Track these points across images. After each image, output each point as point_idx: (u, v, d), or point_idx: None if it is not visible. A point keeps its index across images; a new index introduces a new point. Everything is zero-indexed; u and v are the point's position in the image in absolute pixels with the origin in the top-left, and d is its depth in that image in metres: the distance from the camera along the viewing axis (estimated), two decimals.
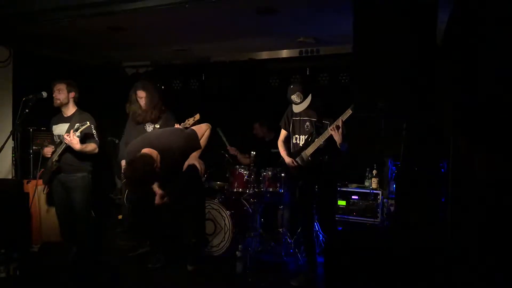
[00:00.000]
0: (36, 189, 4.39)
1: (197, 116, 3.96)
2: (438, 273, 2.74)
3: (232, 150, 5.32)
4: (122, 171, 3.91)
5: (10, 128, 5.08)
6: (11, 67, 5.39)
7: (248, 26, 4.52)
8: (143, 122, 4.19)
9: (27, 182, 4.61)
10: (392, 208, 4.76)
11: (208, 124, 3.54)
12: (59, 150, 3.96)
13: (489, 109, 2.39)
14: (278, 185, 4.50)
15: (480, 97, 2.41)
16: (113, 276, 3.88)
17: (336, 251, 3.26)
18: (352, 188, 5.08)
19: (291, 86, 3.60)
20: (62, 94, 4.02)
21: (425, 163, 3.60)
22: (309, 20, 4.28)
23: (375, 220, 4.84)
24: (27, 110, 4.02)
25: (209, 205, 4.46)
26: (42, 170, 4.19)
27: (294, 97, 3.56)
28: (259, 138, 5.35)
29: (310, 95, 3.55)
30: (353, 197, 5.00)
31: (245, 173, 4.72)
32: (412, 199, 3.66)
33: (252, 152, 4.66)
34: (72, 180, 4.03)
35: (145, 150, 3.07)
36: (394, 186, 4.76)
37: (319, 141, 3.60)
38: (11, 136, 4.33)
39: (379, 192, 4.88)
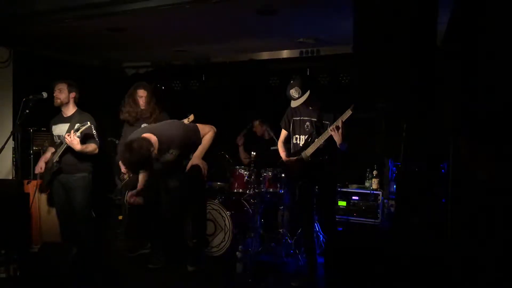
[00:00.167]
0: (37, 190, 4.39)
1: (191, 117, 3.98)
2: (438, 273, 2.74)
3: (240, 141, 5.35)
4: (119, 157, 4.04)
5: (10, 129, 5.08)
6: (11, 68, 5.40)
7: (248, 27, 4.52)
8: (137, 121, 4.24)
9: (28, 183, 4.61)
10: (392, 209, 4.75)
11: (213, 127, 3.55)
12: (60, 151, 3.96)
13: (489, 110, 2.39)
14: (278, 185, 4.50)
15: (480, 98, 2.41)
16: (113, 277, 3.88)
17: (337, 252, 3.27)
18: (352, 188, 5.07)
19: (291, 82, 3.62)
20: (63, 93, 4.03)
21: (425, 163, 3.60)
22: (310, 20, 4.28)
23: (376, 220, 4.84)
24: (27, 111, 4.03)
25: (209, 205, 4.46)
26: (43, 171, 4.19)
27: (292, 92, 3.56)
28: (259, 136, 5.36)
29: (309, 91, 3.55)
30: (353, 197, 5.00)
31: (245, 174, 4.72)
32: (412, 200, 3.66)
33: (252, 153, 4.66)
34: (72, 181, 4.03)
35: (145, 135, 3.11)
36: (395, 186, 4.76)
37: (319, 141, 3.60)
38: (12, 136, 4.33)
39: (380, 192, 4.88)
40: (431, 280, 2.75)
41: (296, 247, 4.37)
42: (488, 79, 2.38)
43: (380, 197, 4.85)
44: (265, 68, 5.87)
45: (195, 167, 3.39)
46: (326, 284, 3.51)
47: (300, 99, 3.53)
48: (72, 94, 4.08)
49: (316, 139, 3.62)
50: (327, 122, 3.62)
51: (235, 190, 4.79)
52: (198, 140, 3.41)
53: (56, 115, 4.18)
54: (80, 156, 3.95)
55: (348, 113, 3.44)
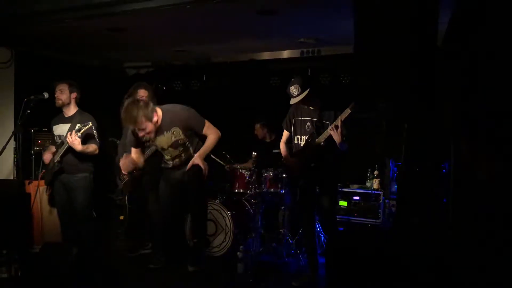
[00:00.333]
0: (38, 190, 4.40)
1: None
2: (439, 274, 2.74)
3: (231, 168, 5.17)
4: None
5: (11, 129, 5.09)
6: (12, 68, 5.41)
7: (249, 27, 4.52)
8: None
9: (29, 183, 4.62)
10: (393, 209, 4.75)
11: (219, 132, 3.56)
12: (61, 151, 3.96)
13: (489, 110, 2.39)
14: (279, 185, 4.50)
15: (481, 98, 2.41)
16: (114, 277, 3.88)
17: (338, 252, 3.26)
18: (353, 188, 5.07)
19: (292, 80, 3.63)
20: (64, 94, 4.03)
21: (426, 163, 3.59)
22: (310, 21, 4.28)
23: (377, 220, 4.84)
24: (28, 111, 4.03)
25: (210, 205, 4.46)
26: (44, 171, 4.20)
27: (292, 89, 3.57)
28: (260, 139, 5.35)
29: (308, 89, 3.56)
30: (354, 197, 5.00)
31: (246, 174, 4.72)
32: (413, 200, 3.65)
33: (253, 153, 4.66)
34: (73, 181, 4.03)
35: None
36: (396, 186, 4.76)
37: (319, 141, 3.60)
38: (13, 136, 4.34)
39: (380, 192, 4.87)
40: (432, 280, 2.75)
41: (297, 247, 4.36)
42: (489, 79, 2.38)
43: (381, 197, 4.85)
44: (265, 68, 5.87)
45: (196, 167, 3.39)
46: (327, 284, 3.50)
47: (299, 96, 3.54)
48: (73, 95, 4.08)
49: (317, 139, 3.62)
50: (327, 122, 3.61)
51: (236, 190, 4.80)
52: (200, 125, 3.45)
53: (57, 115, 4.19)
54: (81, 156, 3.96)
55: (347, 112, 3.44)
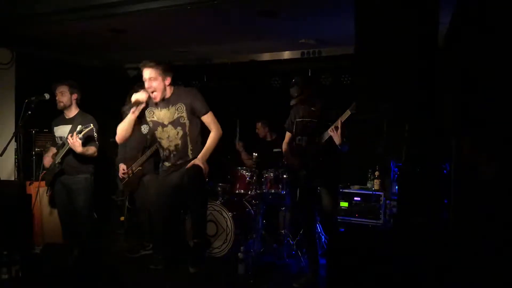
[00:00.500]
0: (39, 191, 4.40)
1: None
2: (440, 274, 2.74)
3: (239, 146, 5.33)
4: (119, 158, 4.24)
5: (12, 130, 5.09)
6: (13, 69, 5.42)
7: (249, 28, 4.53)
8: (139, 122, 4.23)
9: (30, 184, 4.62)
10: (394, 210, 4.75)
11: (220, 129, 3.52)
12: (62, 152, 3.96)
13: (490, 110, 2.39)
14: (280, 186, 4.50)
15: (481, 98, 2.41)
16: (114, 278, 3.88)
17: (338, 253, 3.26)
18: (354, 189, 5.07)
19: (293, 81, 3.64)
20: (65, 96, 4.02)
21: (427, 164, 3.59)
22: (311, 21, 4.28)
23: (377, 221, 4.84)
24: (29, 112, 4.03)
25: (211, 206, 4.46)
26: (44, 172, 4.20)
27: (292, 90, 3.59)
28: (261, 138, 5.36)
29: (309, 91, 3.57)
30: (355, 198, 4.99)
31: (247, 175, 4.72)
32: (414, 201, 3.65)
33: (254, 154, 4.66)
34: (74, 182, 4.03)
35: None
36: (396, 187, 4.75)
37: (320, 142, 3.60)
38: (14, 137, 4.34)
39: (381, 193, 4.87)
40: (433, 281, 2.74)
41: (298, 248, 4.36)
42: (489, 80, 2.38)
43: (382, 198, 4.84)
44: (266, 69, 5.87)
45: (197, 167, 3.37)
46: (328, 285, 3.49)
47: (299, 97, 3.56)
48: (74, 96, 4.07)
49: (318, 139, 3.63)
50: (329, 123, 3.62)
51: (237, 191, 4.80)
52: (203, 109, 3.45)
53: (57, 116, 4.19)
54: (82, 157, 3.95)
55: (347, 113, 3.44)
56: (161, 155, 3.63)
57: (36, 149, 5.10)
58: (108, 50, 5.70)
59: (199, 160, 3.37)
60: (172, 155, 3.51)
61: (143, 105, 3.45)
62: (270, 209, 4.77)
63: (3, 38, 4.97)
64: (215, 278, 3.90)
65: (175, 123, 3.46)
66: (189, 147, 3.49)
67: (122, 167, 4.40)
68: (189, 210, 4.01)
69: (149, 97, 3.45)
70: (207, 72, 6.21)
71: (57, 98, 4.02)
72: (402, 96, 2.53)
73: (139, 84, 4.35)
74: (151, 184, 4.19)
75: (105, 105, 5.65)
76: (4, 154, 4.06)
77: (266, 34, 4.74)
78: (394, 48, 2.46)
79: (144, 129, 4.18)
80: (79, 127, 3.79)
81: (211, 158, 3.53)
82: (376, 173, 5.00)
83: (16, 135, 4.51)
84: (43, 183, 4.27)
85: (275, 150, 4.95)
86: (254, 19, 4.14)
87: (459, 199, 2.73)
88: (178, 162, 3.50)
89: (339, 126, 3.46)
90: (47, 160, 4.14)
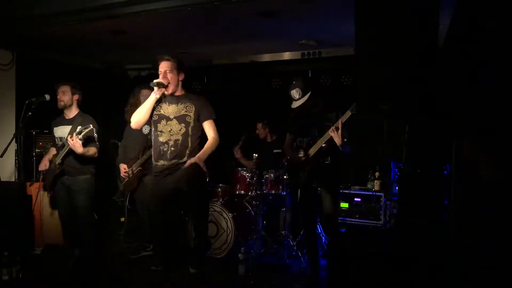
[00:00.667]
0: (39, 192, 4.40)
1: None
2: (441, 275, 2.73)
3: (238, 153, 5.29)
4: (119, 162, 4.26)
5: (13, 131, 5.10)
6: (14, 70, 5.42)
7: (250, 29, 4.53)
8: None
9: (30, 185, 4.63)
10: (394, 210, 4.75)
11: (217, 138, 3.52)
12: (62, 153, 3.97)
13: (491, 110, 2.39)
14: (280, 187, 4.50)
15: (482, 99, 2.41)
16: (115, 279, 3.87)
17: (339, 254, 3.25)
18: (354, 190, 5.06)
19: (293, 83, 3.63)
20: (66, 96, 4.03)
21: (427, 165, 3.59)
22: (311, 22, 4.28)
23: (378, 222, 4.83)
24: (30, 113, 4.04)
25: (211, 207, 4.46)
26: (44, 174, 4.20)
27: (293, 93, 3.59)
28: (261, 139, 5.35)
29: (310, 92, 3.56)
30: (355, 199, 4.99)
31: (248, 175, 4.72)
32: (415, 202, 3.65)
33: (254, 155, 4.66)
34: (75, 183, 4.03)
35: None
36: (397, 188, 4.75)
37: (320, 143, 3.61)
38: (14, 138, 4.34)
39: (382, 194, 4.87)
40: (434, 281, 2.74)
41: (298, 248, 4.36)
42: (489, 80, 2.38)
43: (383, 199, 4.84)
44: (267, 70, 5.87)
45: (197, 167, 3.35)
46: (329, 286, 3.50)
47: (300, 100, 3.55)
48: (75, 96, 4.08)
49: (318, 141, 3.62)
50: (329, 124, 3.62)
51: (237, 192, 4.80)
52: (208, 115, 3.50)
53: (57, 116, 4.19)
54: (83, 158, 3.96)
55: (348, 114, 3.44)
56: (155, 153, 3.53)
57: (37, 150, 5.10)
58: (108, 51, 5.70)
59: (196, 159, 3.34)
60: (169, 151, 3.44)
61: (163, 90, 3.45)
62: (270, 210, 4.77)
63: (4, 39, 4.97)
64: (216, 279, 3.90)
65: (180, 118, 3.47)
66: (189, 146, 3.47)
67: (123, 166, 4.41)
68: (190, 213, 4.01)
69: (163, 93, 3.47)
70: (208, 73, 6.20)
71: (58, 97, 4.03)
72: (402, 96, 2.53)
73: (141, 85, 4.36)
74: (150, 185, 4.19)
75: (105, 106, 5.65)
76: (4, 155, 4.06)
77: (266, 35, 4.74)
78: (394, 48, 2.46)
79: (145, 129, 4.18)
80: (78, 128, 3.79)
81: (213, 160, 3.53)
82: (377, 173, 4.99)
83: (16, 136, 4.52)
84: (43, 183, 4.27)
85: (275, 151, 4.95)
86: (254, 20, 4.14)
87: (459, 199, 2.73)
88: (173, 161, 3.44)
89: (339, 127, 3.46)
90: (43, 165, 4.17)
